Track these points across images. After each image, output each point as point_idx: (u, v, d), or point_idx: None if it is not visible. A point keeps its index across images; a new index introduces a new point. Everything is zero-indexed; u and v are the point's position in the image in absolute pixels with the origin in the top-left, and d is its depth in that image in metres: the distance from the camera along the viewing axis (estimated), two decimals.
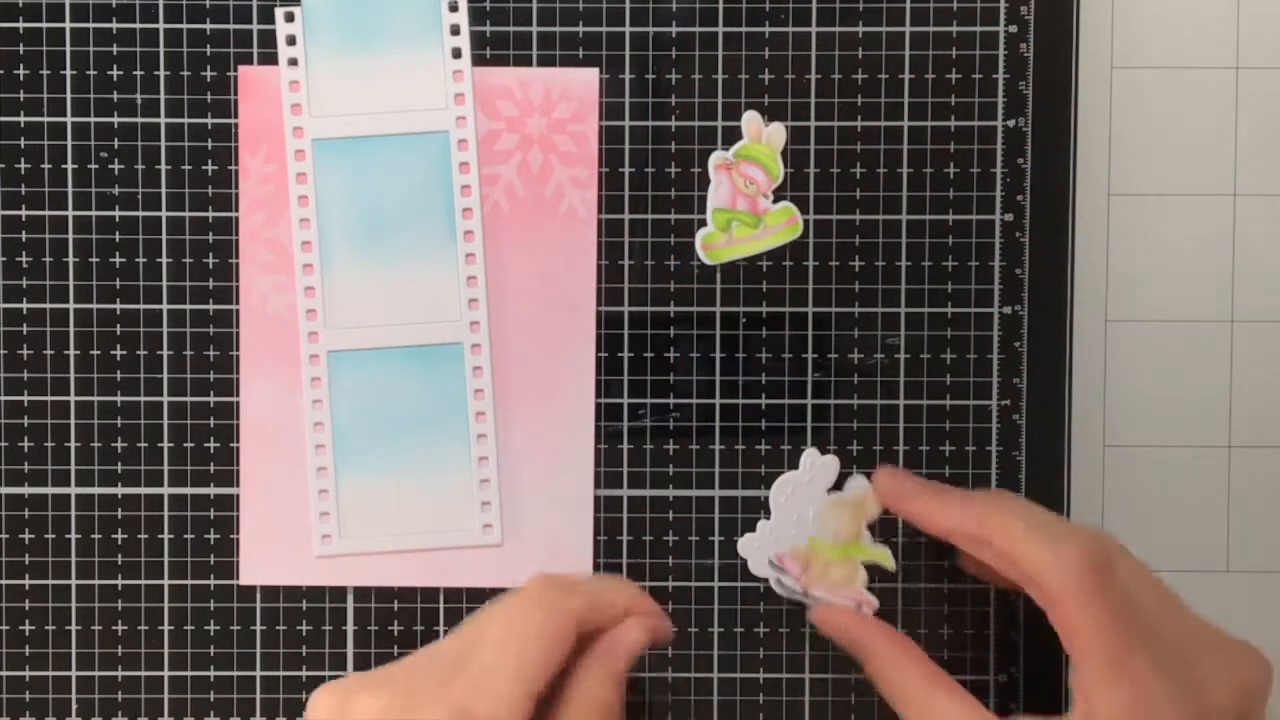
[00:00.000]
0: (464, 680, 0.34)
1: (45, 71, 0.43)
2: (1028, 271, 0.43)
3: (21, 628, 0.43)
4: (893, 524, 0.43)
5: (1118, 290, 0.44)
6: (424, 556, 0.43)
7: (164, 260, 0.43)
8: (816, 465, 0.43)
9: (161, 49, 0.43)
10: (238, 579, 0.43)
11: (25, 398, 0.43)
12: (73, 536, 0.43)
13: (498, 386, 0.43)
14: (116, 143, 0.43)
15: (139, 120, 0.43)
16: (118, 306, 0.43)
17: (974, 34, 0.43)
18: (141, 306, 0.43)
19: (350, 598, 0.44)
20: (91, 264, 0.43)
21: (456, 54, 0.43)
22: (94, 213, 0.43)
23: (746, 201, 0.43)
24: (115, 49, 0.43)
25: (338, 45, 0.43)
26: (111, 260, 0.43)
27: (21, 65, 0.43)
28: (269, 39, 0.43)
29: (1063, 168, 0.43)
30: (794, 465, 0.43)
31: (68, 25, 0.43)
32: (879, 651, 0.40)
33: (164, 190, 0.43)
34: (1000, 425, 0.43)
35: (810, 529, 0.43)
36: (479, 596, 0.43)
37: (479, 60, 0.43)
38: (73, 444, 0.43)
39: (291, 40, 0.43)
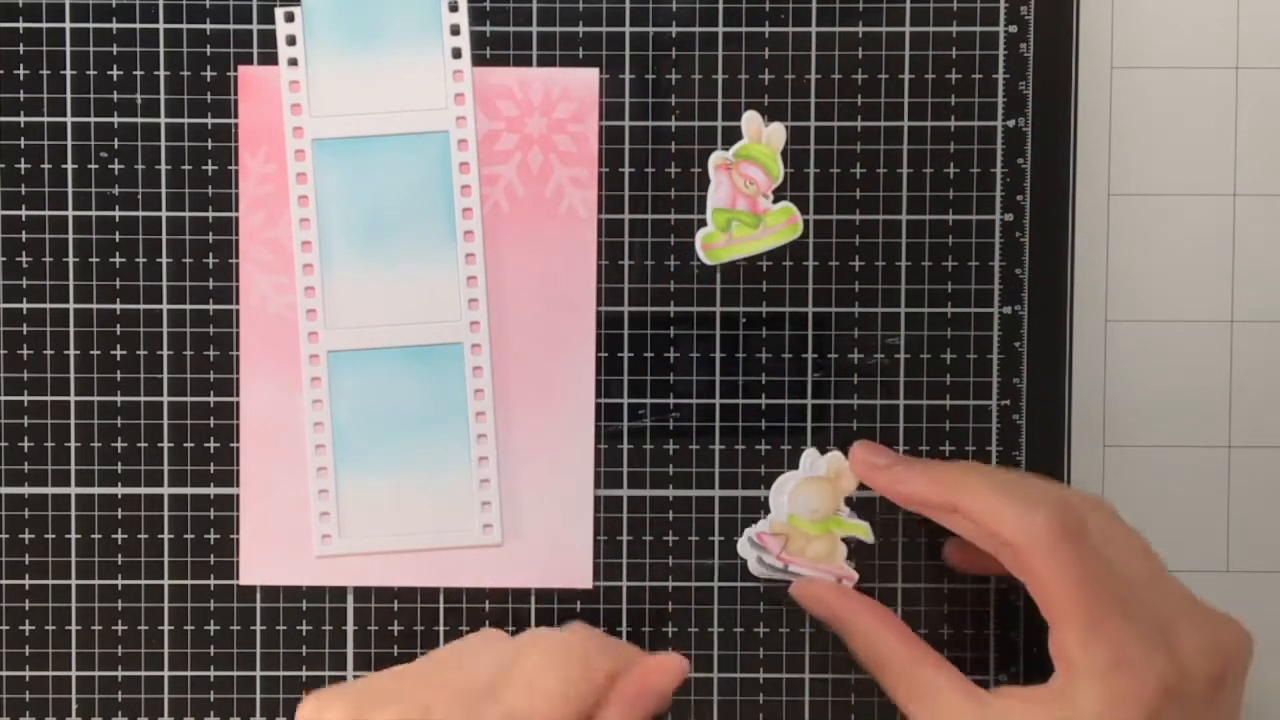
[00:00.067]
0: (495, 716, 0.35)
1: (45, 71, 0.43)
2: (1028, 271, 0.43)
3: (21, 628, 0.43)
4: (894, 523, 0.43)
5: (1118, 290, 0.44)
6: (424, 556, 0.43)
7: (164, 260, 0.43)
8: (816, 465, 0.43)
9: (161, 49, 0.43)
10: (238, 579, 0.43)
11: (25, 398, 0.43)
12: (73, 536, 0.43)
13: (498, 386, 0.43)
14: (116, 143, 0.43)
15: (139, 120, 0.43)
16: (118, 306, 0.43)
17: (974, 34, 0.43)
18: (141, 306, 0.43)
19: (350, 598, 0.44)
20: (91, 264, 0.43)
21: (456, 54, 0.43)
22: (94, 213, 0.43)
23: (746, 201, 0.43)
24: (115, 49, 0.43)
25: (338, 45, 0.43)
26: (111, 260, 0.43)
27: (21, 65, 0.43)
28: (269, 39, 0.43)
29: (1063, 168, 0.43)
30: (794, 465, 0.43)
31: (68, 25, 0.43)
32: (860, 623, 0.40)
33: (164, 190, 0.43)
34: (1000, 425, 0.43)
35: (788, 506, 0.43)
36: (479, 596, 0.43)
37: (479, 60, 0.43)
38: (73, 444, 0.43)
39: (291, 40, 0.43)
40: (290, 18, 0.43)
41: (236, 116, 0.43)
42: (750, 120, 0.43)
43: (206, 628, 0.43)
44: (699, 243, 0.43)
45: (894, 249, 0.43)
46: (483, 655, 0.38)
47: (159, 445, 0.43)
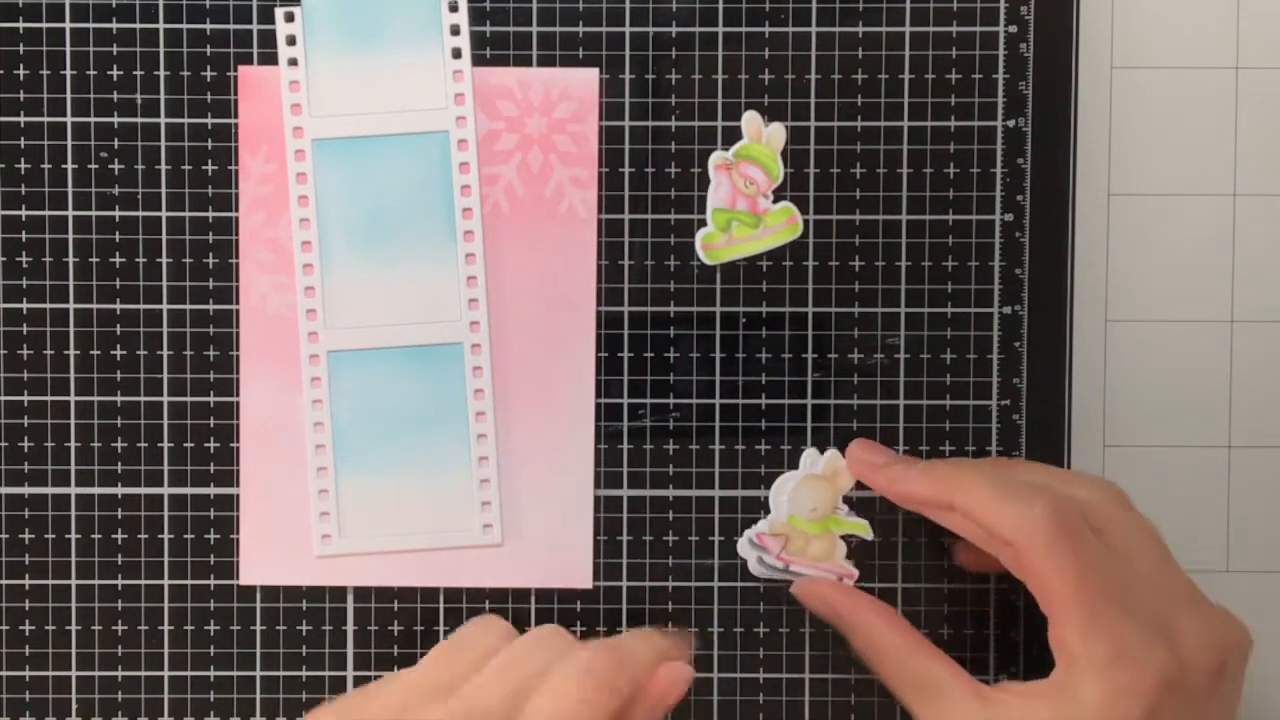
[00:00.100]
0: None
1: (45, 71, 0.43)
2: (1028, 271, 0.43)
3: (21, 628, 0.43)
4: (894, 522, 0.43)
5: (1118, 290, 0.44)
6: (424, 556, 0.43)
7: (164, 260, 0.43)
8: (814, 464, 0.43)
9: (161, 49, 0.43)
10: (238, 579, 0.43)
11: (25, 398, 0.43)
12: (73, 536, 0.43)
13: (498, 386, 0.43)
14: (116, 143, 0.43)
15: (139, 120, 0.43)
16: (118, 306, 0.43)
17: (974, 34, 0.43)
18: (141, 306, 0.43)
19: (350, 598, 0.44)
20: (91, 264, 0.43)
21: (456, 54, 0.43)
22: (94, 213, 0.43)
23: (746, 201, 0.43)
24: (115, 49, 0.43)
25: (338, 45, 0.43)
26: (111, 260, 0.43)
27: (21, 65, 0.43)
28: (269, 39, 0.43)
29: (1063, 168, 0.43)
30: (794, 465, 0.43)
31: (68, 25, 0.43)
32: (861, 620, 0.41)
33: (164, 190, 0.43)
34: (1000, 425, 0.43)
35: (787, 507, 0.43)
36: (479, 596, 0.43)
37: (479, 60, 0.43)
38: (73, 444, 0.43)
39: (291, 40, 0.43)
40: (290, 18, 0.43)
41: (236, 116, 0.43)
42: (750, 120, 0.43)
43: (206, 628, 0.43)
44: (699, 243, 0.43)
45: (894, 249, 0.43)
46: (482, 647, 0.37)
47: (159, 445, 0.43)
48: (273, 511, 0.43)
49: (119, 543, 0.43)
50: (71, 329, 0.43)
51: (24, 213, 0.43)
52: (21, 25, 0.43)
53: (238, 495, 0.43)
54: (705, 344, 0.43)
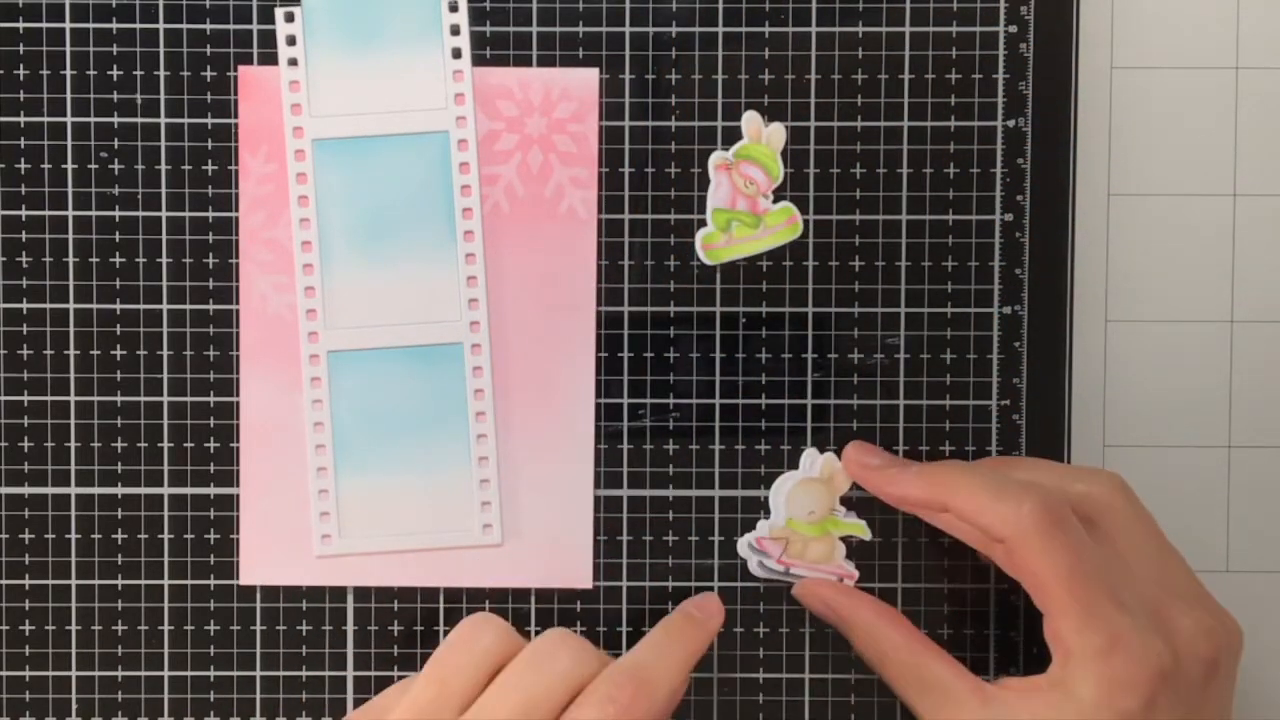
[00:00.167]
0: None
1: (45, 71, 0.43)
2: (1028, 271, 0.43)
3: (21, 628, 0.43)
4: (894, 523, 0.43)
5: (1118, 290, 0.44)
6: (424, 556, 0.43)
7: (164, 260, 0.43)
8: (811, 466, 0.43)
9: (161, 49, 0.43)
10: (238, 579, 0.43)
11: (25, 398, 0.43)
12: (73, 536, 0.43)
13: (498, 386, 0.43)
14: (116, 143, 0.43)
15: (139, 120, 0.43)
16: (118, 306, 0.43)
17: (974, 34, 0.43)
18: (141, 306, 0.43)
19: (350, 598, 0.44)
20: (91, 264, 0.43)
21: (456, 54, 0.43)
22: (94, 213, 0.43)
23: (746, 201, 0.43)
24: (115, 49, 0.43)
25: (338, 45, 0.43)
26: (111, 260, 0.43)
27: (21, 65, 0.43)
28: (269, 39, 0.43)
29: (1063, 168, 0.43)
30: (794, 465, 0.43)
31: (68, 25, 0.43)
32: (861, 619, 0.41)
33: (164, 190, 0.43)
34: (1000, 425, 0.43)
35: (785, 510, 0.43)
36: (479, 596, 0.43)
37: (479, 60, 0.43)
38: (73, 444, 0.43)
39: (291, 40, 0.43)
40: (290, 18, 0.43)
41: (236, 116, 0.43)
42: (750, 120, 0.43)
43: (206, 628, 0.43)
44: (699, 243, 0.43)
45: (894, 249, 0.43)
46: (480, 648, 0.37)
47: (159, 445, 0.43)
48: (273, 511, 0.43)
49: (119, 543, 0.43)
50: (71, 329, 0.43)
51: (24, 213, 0.43)
52: (21, 25, 0.43)
53: (238, 495, 0.43)
54: (705, 344, 0.43)
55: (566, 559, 0.43)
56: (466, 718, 0.36)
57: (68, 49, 0.43)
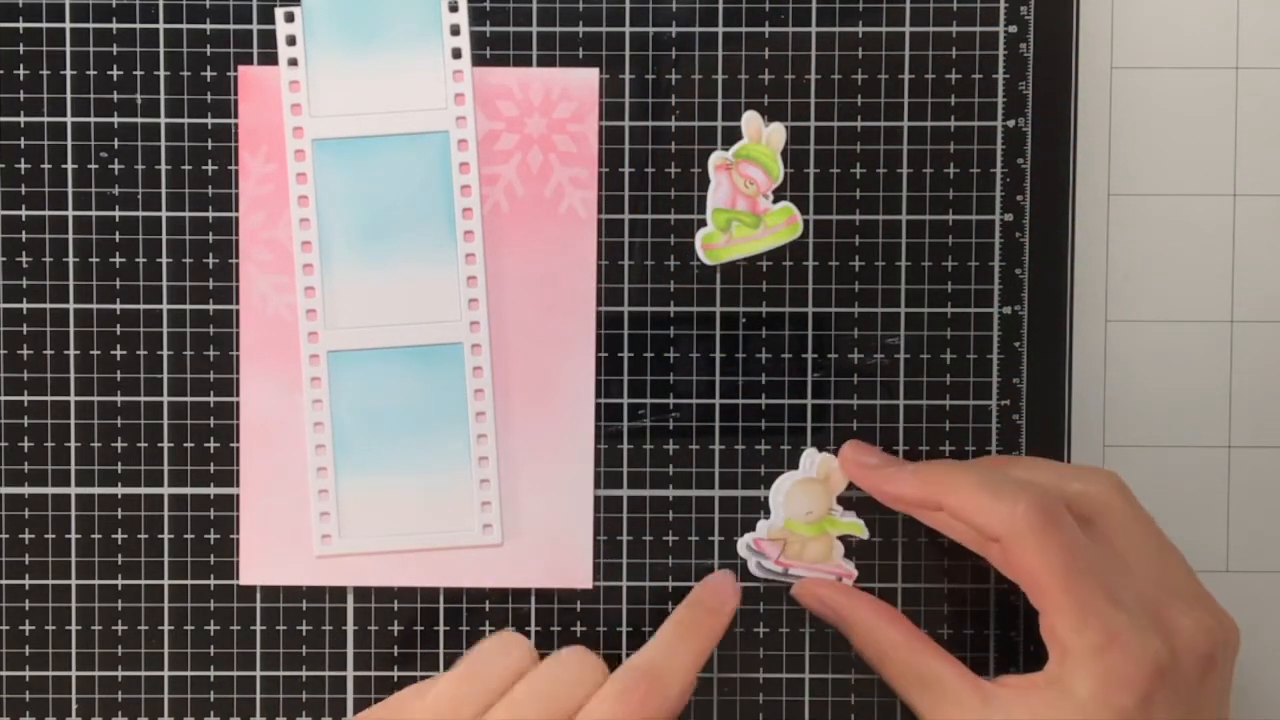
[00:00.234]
0: None
1: (45, 71, 0.43)
2: (1028, 271, 0.43)
3: (21, 628, 0.43)
4: (893, 522, 0.43)
5: (1118, 290, 0.44)
6: (424, 556, 0.43)
7: (164, 260, 0.43)
8: (808, 467, 0.43)
9: (161, 49, 0.43)
10: (238, 579, 0.43)
11: (25, 398, 0.43)
12: (73, 536, 0.43)
13: (498, 386, 0.43)
14: (116, 143, 0.43)
15: (139, 120, 0.43)
16: (118, 306, 0.43)
17: (974, 34, 0.43)
18: (141, 306, 0.43)
19: (350, 598, 0.44)
20: (91, 264, 0.43)
21: (456, 54, 0.43)
22: (94, 213, 0.43)
23: (746, 201, 0.43)
24: (115, 49, 0.43)
25: (338, 45, 0.43)
26: (111, 260, 0.43)
27: (21, 65, 0.43)
28: (269, 39, 0.43)
29: (1063, 168, 0.43)
30: (794, 465, 0.43)
31: (68, 25, 0.43)
32: (860, 618, 0.41)
33: (164, 190, 0.43)
34: (1000, 425, 0.43)
35: (783, 510, 0.43)
36: (479, 596, 0.43)
37: (479, 60, 0.43)
38: (73, 444, 0.43)
39: (291, 40, 0.43)
40: (290, 18, 0.43)
41: (236, 116, 0.43)
42: (750, 120, 0.43)
43: (206, 628, 0.43)
44: (699, 243, 0.43)
45: (894, 249, 0.43)
46: (504, 666, 0.38)
47: (159, 445, 0.43)
48: (273, 511, 0.43)
49: (119, 543, 0.43)
50: (71, 329, 0.43)
51: (24, 213, 0.43)
52: (21, 25, 0.43)
53: (238, 495, 0.43)
54: (705, 344, 0.43)
55: (566, 559, 0.43)
56: (492, 715, 0.37)
57: (68, 49, 0.43)
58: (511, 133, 0.43)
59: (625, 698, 0.37)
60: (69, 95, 0.43)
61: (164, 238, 0.43)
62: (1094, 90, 0.44)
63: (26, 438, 0.43)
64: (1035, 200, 0.43)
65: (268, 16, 0.43)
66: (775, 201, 0.43)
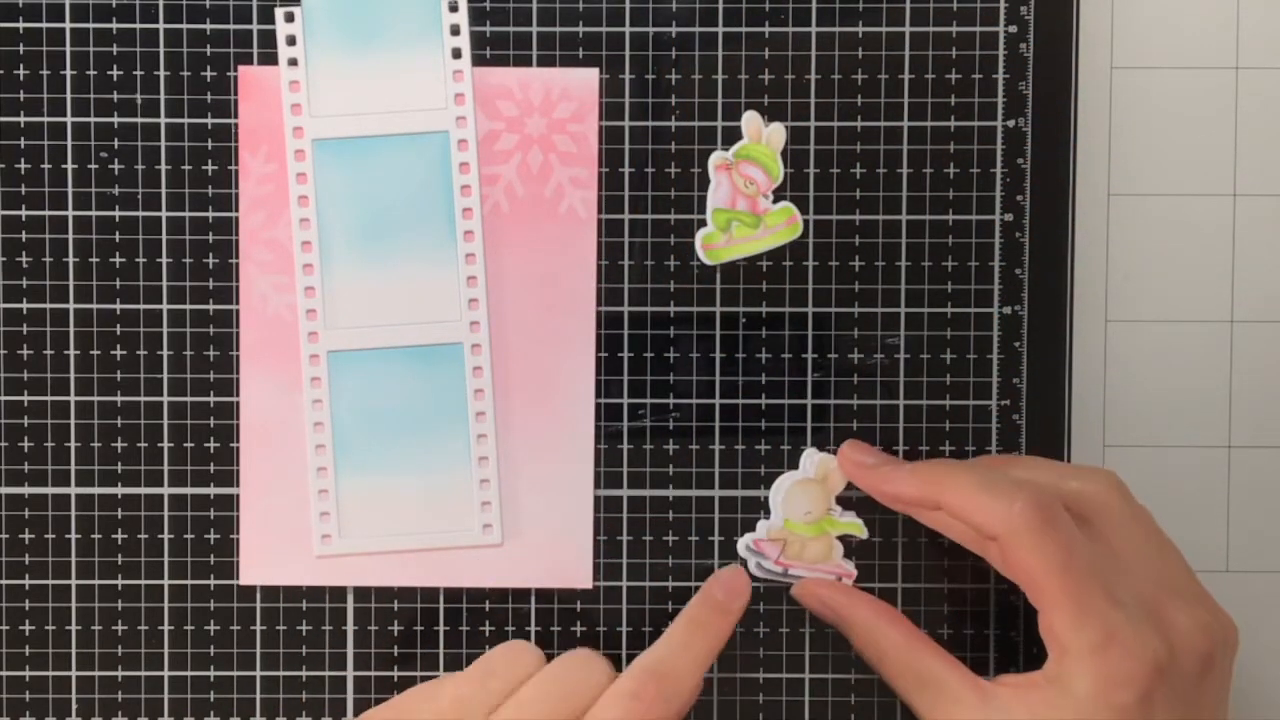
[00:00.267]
0: None
1: (45, 71, 0.43)
2: (1028, 271, 0.43)
3: (21, 628, 0.43)
4: (893, 522, 0.43)
5: (1118, 290, 0.44)
6: (424, 556, 0.43)
7: (164, 260, 0.43)
8: (806, 467, 0.43)
9: (161, 49, 0.43)
10: (238, 579, 0.43)
11: (25, 398, 0.43)
12: (73, 536, 0.43)
13: (498, 386, 0.43)
14: (116, 143, 0.43)
15: (139, 120, 0.43)
16: (118, 306, 0.43)
17: (974, 34, 0.43)
18: (141, 306, 0.43)
19: (350, 598, 0.44)
20: (91, 264, 0.43)
21: (456, 54, 0.43)
22: (94, 213, 0.43)
23: (746, 201, 0.43)
24: (115, 49, 0.43)
25: (338, 45, 0.43)
26: (111, 260, 0.43)
27: (21, 65, 0.43)
28: (269, 39, 0.43)
29: (1063, 168, 0.43)
30: (794, 465, 0.43)
31: (68, 25, 0.43)
32: (859, 618, 0.41)
33: (164, 190, 0.43)
34: (1000, 425, 0.43)
35: (782, 511, 0.43)
36: (479, 596, 0.43)
37: (479, 60, 0.43)
38: (73, 444, 0.43)
39: (291, 40, 0.43)
40: (290, 18, 0.43)
41: (236, 116, 0.43)
42: (750, 120, 0.43)
43: (206, 628, 0.43)
44: (699, 243, 0.43)
45: (894, 249, 0.43)
46: (514, 672, 0.38)
47: (159, 445, 0.43)
48: (273, 511, 0.43)
49: (119, 543, 0.43)
50: (71, 329, 0.43)
51: (24, 213, 0.43)
52: (21, 25, 0.43)
53: (238, 495, 0.43)
54: (705, 344, 0.43)
55: (566, 559, 0.43)
56: (499, 715, 0.37)
57: (68, 49, 0.43)
58: (511, 133, 0.43)
59: (637, 697, 0.37)
60: (69, 95, 0.43)
61: (164, 238, 0.43)
62: (1094, 90, 0.44)
63: (26, 438, 0.43)
64: (1035, 200, 0.43)
65: (268, 16, 0.43)
66: (775, 201, 0.43)
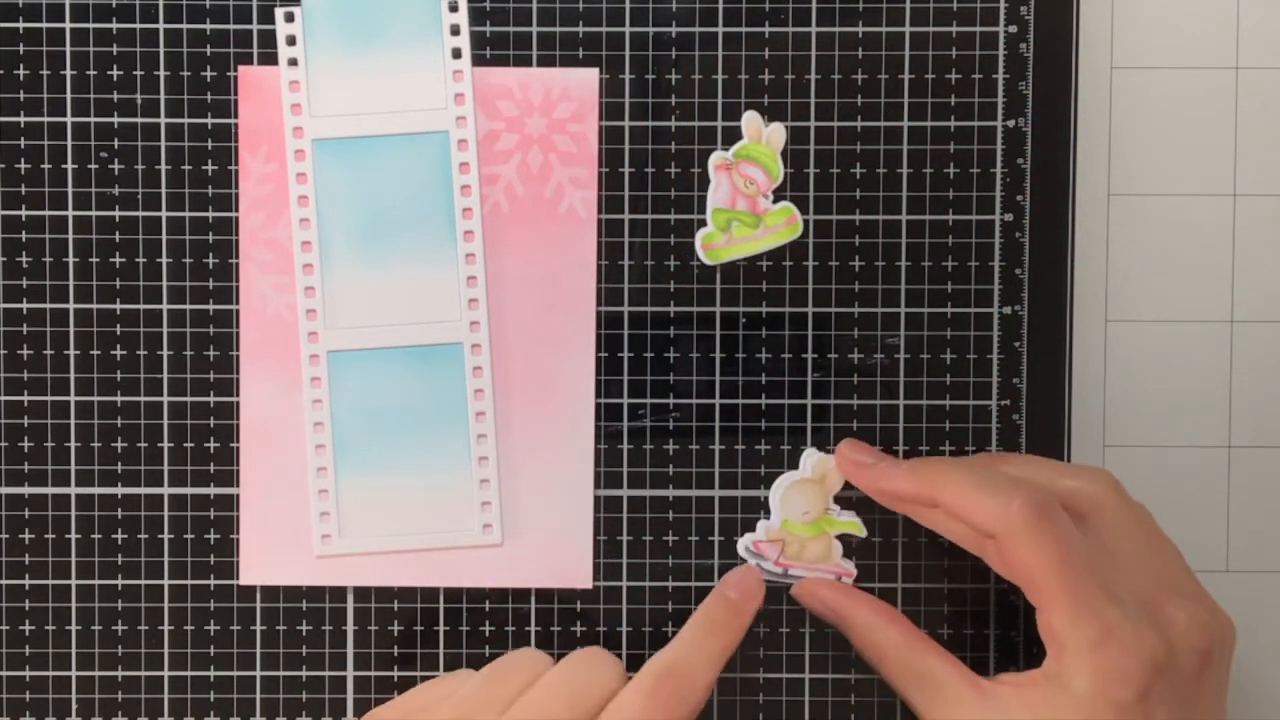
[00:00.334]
0: None
1: (45, 71, 0.43)
2: (1028, 271, 0.43)
3: (21, 628, 0.43)
4: (894, 522, 0.43)
5: (1118, 290, 0.44)
6: (424, 556, 0.43)
7: (164, 260, 0.43)
8: (804, 467, 0.43)
9: (161, 49, 0.43)
10: (238, 579, 0.43)
11: (25, 398, 0.43)
12: (73, 536, 0.43)
13: (498, 386, 0.43)
14: (116, 143, 0.43)
15: (139, 120, 0.43)
16: (118, 306, 0.43)
17: (974, 34, 0.43)
18: (141, 306, 0.43)
19: (350, 598, 0.44)
20: (91, 264, 0.43)
21: (456, 54, 0.43)
22: (94, 213, 0.43)
23: (746, 201, 0.43)
24: (115, 49, 0.43)
25: (338, 45, 0.43)
26: (111, 260, 0.43)
27: (21, 65, 0.43)
28: (269, 39, 0.43)
29: (1063, 168, 0.43)
30: (794, 465, 0.43)
31: (68, 25, 0.43)
32: (858, 617, 0.41)
33: (164, 190, 0.43)
34: (1000, 425, 0.43)
35: (781, 512, 0.43)
36: (479, 596, 0.43)
37: (479, 60, 0.43)
38: (73, 444, 0.43)
39: (291, 40, 0.43)
40: (290, 18, 0.43)
41: (236, 116, 0.43)
42: (750, 120, 0.43)
43: (206, 628, 0.43)
44: (699, 243, 0.43)
45: (894, 249, 0.43)
46: (524, 675, 0.38)
47: (159, 445, 0.43)
48: (273, 511, 0.43)
49: (119, 543, 0.43)
50: (71, 329, 0.43)
51: (24, 213, 0.43)
52: (21, 25, 0.43)
53: (238, 495, 0.43)
54: (705, 344, 0.43)
55: (566, 559, 0.43)
56: (511, 714, 0.37)
57: (68, 49, 0.43)
58: (511, 133, 0.43)
59: (654, 696, 0.37)
60: (69, 95, 0.43)
61: (164, 238, 0.43)
62: (1094, 90, 0.44)
63: (26, 438, 0.43)
64: (1035, 200, 0.43)
65: (268, 16, 0.43)
66: (775, 201, 0.43)
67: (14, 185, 0.43)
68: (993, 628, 0.44)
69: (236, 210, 0.43)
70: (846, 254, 0.43)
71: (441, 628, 0.43)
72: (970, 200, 0.43)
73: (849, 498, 0.43)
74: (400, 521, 0.43)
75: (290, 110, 0.43)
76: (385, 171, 0.43)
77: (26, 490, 0.43)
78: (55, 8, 0.43)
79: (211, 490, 0.43)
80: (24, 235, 0.43)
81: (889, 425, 0.43)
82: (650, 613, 0.44)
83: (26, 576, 0.44)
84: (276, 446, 0.43)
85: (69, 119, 0.43)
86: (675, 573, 0.44)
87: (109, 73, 0.43)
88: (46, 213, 0.43)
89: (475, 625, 0.43)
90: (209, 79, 0.43)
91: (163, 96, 0.43)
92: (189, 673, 0.44)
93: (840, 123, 0.43)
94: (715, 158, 0.43)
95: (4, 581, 0.43)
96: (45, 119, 0.43)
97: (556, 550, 0.43)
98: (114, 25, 0.43)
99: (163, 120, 0.43)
